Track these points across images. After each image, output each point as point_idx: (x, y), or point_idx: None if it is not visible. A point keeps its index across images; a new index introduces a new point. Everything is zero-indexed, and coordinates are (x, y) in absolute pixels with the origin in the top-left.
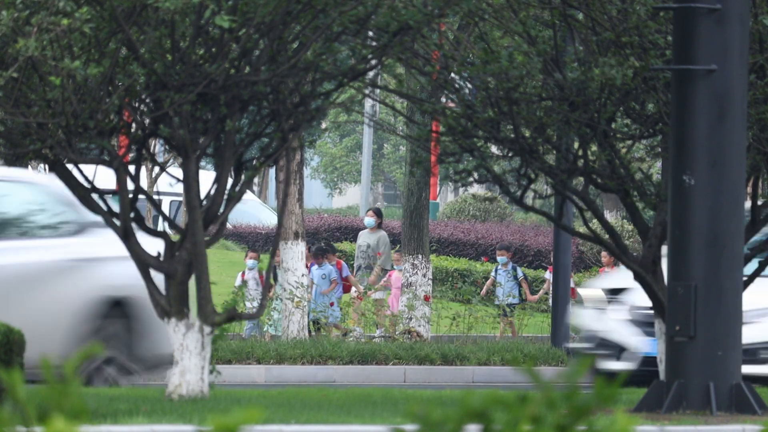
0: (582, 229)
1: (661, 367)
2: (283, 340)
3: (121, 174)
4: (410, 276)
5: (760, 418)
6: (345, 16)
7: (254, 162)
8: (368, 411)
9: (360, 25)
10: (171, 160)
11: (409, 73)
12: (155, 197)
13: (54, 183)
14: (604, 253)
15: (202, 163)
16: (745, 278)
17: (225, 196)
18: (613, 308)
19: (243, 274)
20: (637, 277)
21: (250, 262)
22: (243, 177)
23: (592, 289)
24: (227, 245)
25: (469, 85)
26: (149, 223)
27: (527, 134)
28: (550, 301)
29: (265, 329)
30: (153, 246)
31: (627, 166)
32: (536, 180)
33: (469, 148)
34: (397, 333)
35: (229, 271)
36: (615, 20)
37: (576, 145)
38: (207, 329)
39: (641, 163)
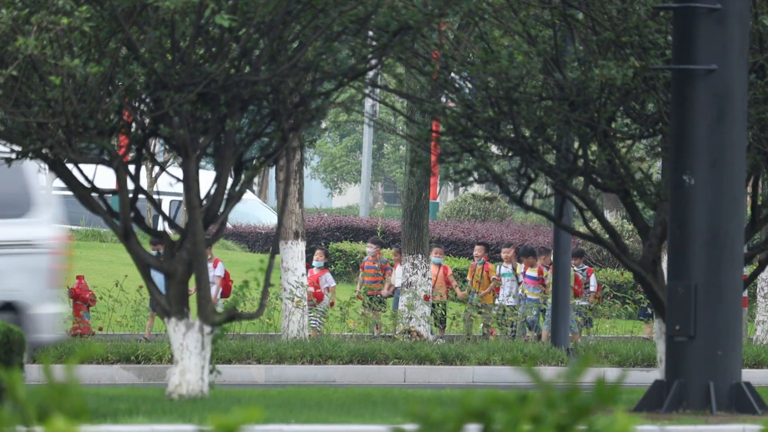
0: (582, 229)
1: (661, 367)
2: (283, 339)
3: (121, 174)
4: (410, 276)
5: (760, 418)
6: (345, 16)
7: (254, 162)
8: (368, 411)
9: (360, 25)
10: (171, 160)
11: (409, 72)
12: (155, 197)
13: None
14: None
15: (202, 163)
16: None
17: (225, 196)
18: None
19: None
20: (637, 277)
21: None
22: (243, 177)
23: None
24: (227, 245)
25: (469, 85)
26: (149, 223)
27: (527, 134)
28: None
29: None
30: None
31: (627, 165)
32: (536, 180)
33: (469, 148)
34: (397, 333)
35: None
36: (615, 20)
37: (576, 144)
38: (207, 329)
39: (641, 162)
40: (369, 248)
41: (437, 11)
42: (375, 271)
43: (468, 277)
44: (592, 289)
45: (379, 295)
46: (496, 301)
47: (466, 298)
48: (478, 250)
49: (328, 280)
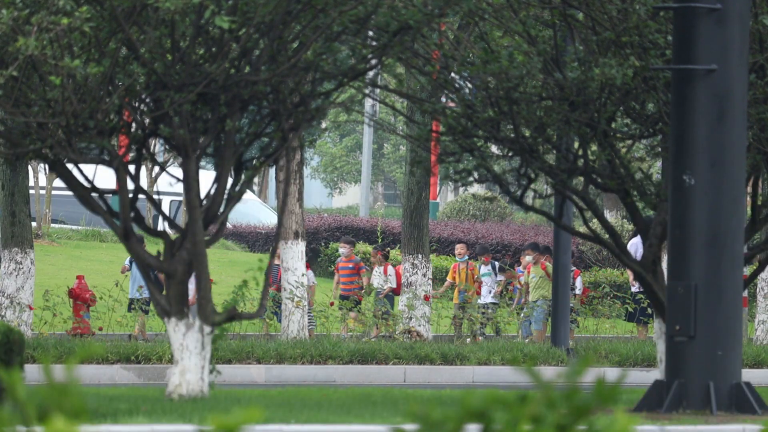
0: (582, 229)
1: (661, 367)
2: (283, 339)
3: (121, 174)
4: (410, 276)
5: (760, 418)
6: (345, 16)
7: (254, 162)
8: (368, 411)
9: (360, 25)
10: (171, 160)
11: (409, 72)
12: (155, 197)
13: None
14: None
15: (202, 163)
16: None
17: (225, 196)
18: None
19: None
20: (637, 277)
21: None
22: (243, 177)
23: None
24: (227, 245)
25: (469, 85)
26: (149, 223)
27: (527, 134)
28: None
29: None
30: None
31: (627, 165)
32: (536, 180)
33: (469, 148)
34: (397, 333)
35: (229, 271)
36: (615, 20)
37: (576, 144)
38: (207, 329)
39: (641, 162)
40: (342, 248)
41: (437, 11)
42: (350, 271)
43: (449, 278)
44: (577, 291)
45: (354, 297)
46: (478, 301)
47: (446, 294)
48: (460, 248)
49: (309, 277)
